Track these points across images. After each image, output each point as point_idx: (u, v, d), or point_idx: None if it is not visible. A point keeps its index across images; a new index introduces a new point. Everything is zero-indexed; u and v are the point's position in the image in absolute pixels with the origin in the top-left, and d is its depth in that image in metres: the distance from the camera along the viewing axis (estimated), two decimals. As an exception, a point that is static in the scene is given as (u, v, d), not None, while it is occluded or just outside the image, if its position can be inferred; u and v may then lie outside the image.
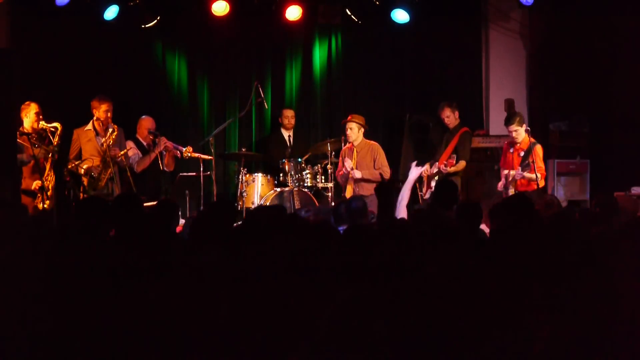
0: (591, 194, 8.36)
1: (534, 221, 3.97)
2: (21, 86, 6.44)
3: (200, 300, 3.05)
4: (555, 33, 9.15)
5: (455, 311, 2.65)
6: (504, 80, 9.68)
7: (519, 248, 3.12)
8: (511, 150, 7.85)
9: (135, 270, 3.37)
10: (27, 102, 7.32)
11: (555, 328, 2.60)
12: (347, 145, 8.34)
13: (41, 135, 7.32)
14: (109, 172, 7.48)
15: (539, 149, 7.76)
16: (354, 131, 8.24)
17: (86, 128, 7.79)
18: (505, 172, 7.77)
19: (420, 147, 9.08)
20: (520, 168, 7.63)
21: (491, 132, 9.47)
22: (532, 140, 7.70)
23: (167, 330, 2.94)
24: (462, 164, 8.35)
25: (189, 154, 8.23)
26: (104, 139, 7.61)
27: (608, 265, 3.31)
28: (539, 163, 7.65)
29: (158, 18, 9.13)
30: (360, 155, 8.23)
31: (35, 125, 7.30)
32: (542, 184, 7.57)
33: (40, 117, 7.33)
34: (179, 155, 8.26)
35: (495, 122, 9.64)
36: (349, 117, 8.33)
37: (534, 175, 7.49)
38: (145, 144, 8.28)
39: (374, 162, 8.26)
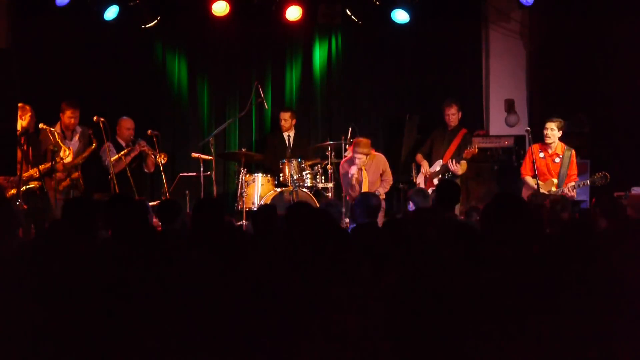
0: (591, 194, 8.34)
1: (526, 221, 3.94)
2: (21, 86, 6.43)
3: (200, 299, 3.05)
4: (555, 33, 9.14)
5: (456, 310, 2.65)
6: (504, 80, 9.67)
7: (517, 248, 3.11)
8: (542, 155, 7.74)
9: (133, 269, 3.36)
10: (20, 104, 7.26)
11: (557, 328, 2.60)
12: (347, 156, 8.11)
13: (30, 136, 7.29)
14: (74, 175, 7.48)
15: (574, 154, 7.79)
16: (363, 159, 7.96)
17: (57, 132, 7.61)
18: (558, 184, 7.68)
19: (421, 146, 9.07)
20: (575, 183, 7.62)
21: (491, 132, 9.47)
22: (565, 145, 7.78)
23: (167, 329, 2.94)
24: (464, 165, 8.35)
25: (163, 161, 8.09)
26: (70, 144, 7.60)
27: (609, 264, 3.31)
28: (575, 169, 7.72)
29: (158, 18, 9.13)
30: (369, 173, 8.05)
31: (26, 125, 7.27)
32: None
33: (34, 119, 7.32)
34: (153, 159, 8.14)
35: (495, 122, 9.65)
36: (353, 146, 8.00)
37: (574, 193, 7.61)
38: (124, 144, 8.22)
39: (382, 174, 8.15)
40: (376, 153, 8.24)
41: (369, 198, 5.62)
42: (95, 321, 2.98)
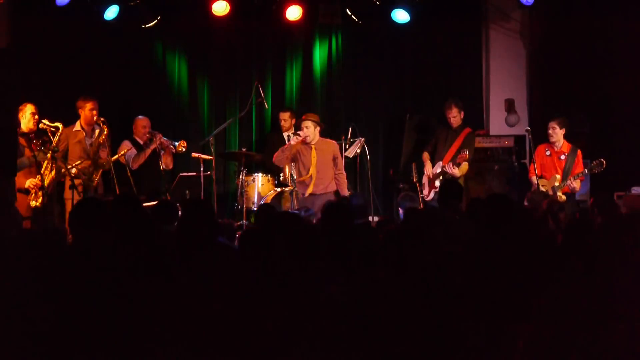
0: (591, 193, 8.35)
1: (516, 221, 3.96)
2: (21, 86, 6.43)
3: (198, 300, 3.05)
4: (555, 33, 9.14)
5: (448, 308, 2.65)
6: (504, 80, 9.67)
7: (512, 247, 3.12)
8: (548, 153, 7.79)
9: (134, 270, 3.37)
10: (23, 103, 7.31)
11: (551, 326, 2.60)
12: (297, 140, 7.79)
13: (39, 135, 7.31)
14: (99, 173, 7.47)
15: (580, 153, 7.82)
16: (311, 130, 7.77)
17: (75, 129, 7.72)
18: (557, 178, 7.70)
19: (421, 146, 9.07)
20: (572, 178, 7.62)
21: (491, 132, 9.46)
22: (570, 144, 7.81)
23: (165, 330, 2.94)
24: (466, 166, 8.33)
25: (183, 148, 8.21)
26: (93, 140, 7.60)
27: (607, 263, 3.31)
28: (581, 168, 7.73)
29: (158, 18, 9.14)
30: (319, 154, 7.81)
31: (31, 126, 7.29)
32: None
33: (36, 117, 7.31)
34: (173, 150, 8.25)
35: (495, 122, 9.64)
36: (304, 117, 7.98)
37: (577, 184, 7.63)
38: (141, 142, 8.29)
39: (335, 161, 7.88)
40: (330, 140, 8.10)
41: (351, 198, 5.61)
42: (95, 321, 2.99)
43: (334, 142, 8.08)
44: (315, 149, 7.83)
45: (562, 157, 7.86)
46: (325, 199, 7.26)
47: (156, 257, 3.58)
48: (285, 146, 7.89)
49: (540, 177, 7.80)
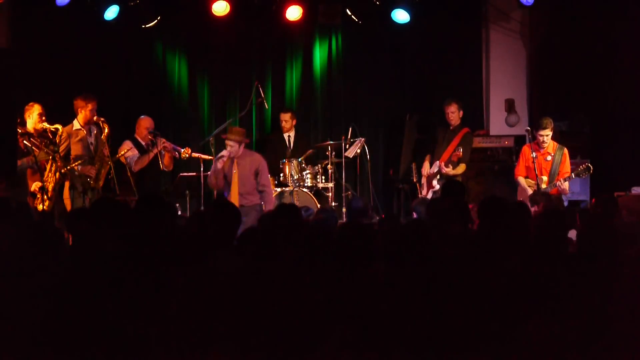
0: (591, 194, 8.34)
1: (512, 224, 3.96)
2: (21, 86, 6.43)
3: (206, 300, 3.06)
4: (556, 33, 9.14)
5: (447, 308, 2.65)
6: (504, 80, 9.67)
7: (514, 249, 3.12)
8: (534, 155, 7.66)
9: (142, 268, 3.37)
10: (30, 103, 7.31)
11: (554, 328, 2.60)
12: (223, 161, 7.49)
13: (43, 136, 7.30)
14: (106, 171, 7.46)
15: (566, 152, 7.74)
16: (235, 148, 7.47)
17: (75, 127, 7.59)
18: (544, 179, 7.58)
19: (420, 146, 9.07)
20: (562, 180, 7.53)
21: (491, 132, 9.47)
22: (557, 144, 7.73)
23: (170, 330, 2.94)
24: (463, 167, 8.33)
25: (187, 155, 8.19)
26: (92, 139, 7.60)
27: (608, 264, 3.31)
28: (568, 167, 7.66)
29: (158, 18, 9.15)
30: (241, 167, 7.52)
31: (37, 126, 7.29)
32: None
33: (44, 117, 7.31)
34: (177, 156, 8.23)
35: (495, 122, 9.65)
36: (224, 136, 7.69)
37: (566, 185, 7.53)
38: (143, 143, 8.27)
39: (257, 176, 7.56)
40: (256, 153, 7.98)
41: (351, 201, 5.63)
42: (98, 320, 2.99)
43: (259, 155, 7.82)
44: (237, 163, 7.52)
45: (549, 157, 7.72)
46: (253, 212, 7.18)
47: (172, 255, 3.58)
48: (213, 171, 7.57)
49: (527, 177, 7.75)
